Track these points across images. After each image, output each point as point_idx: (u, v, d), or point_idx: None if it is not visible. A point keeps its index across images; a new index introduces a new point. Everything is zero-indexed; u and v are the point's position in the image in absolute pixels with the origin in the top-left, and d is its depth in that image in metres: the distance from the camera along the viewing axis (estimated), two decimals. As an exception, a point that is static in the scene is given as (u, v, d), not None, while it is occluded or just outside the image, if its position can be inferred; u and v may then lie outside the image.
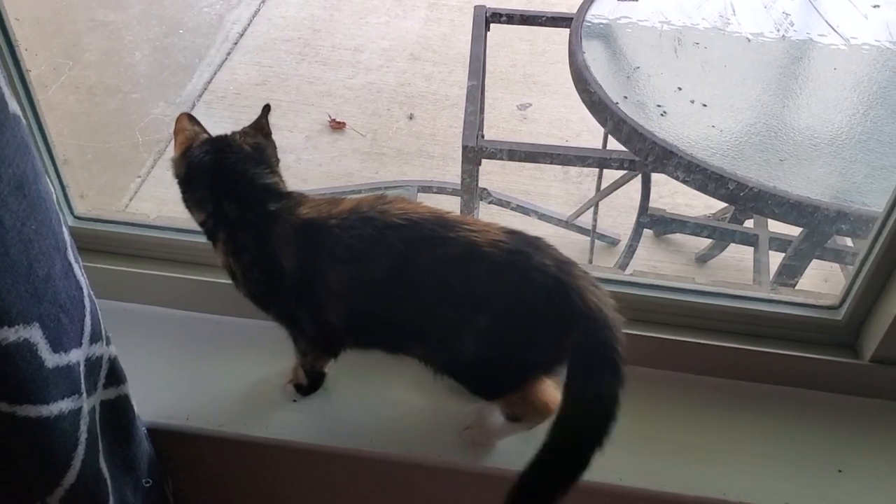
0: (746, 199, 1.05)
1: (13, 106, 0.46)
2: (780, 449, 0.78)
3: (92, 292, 0.58)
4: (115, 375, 0.65)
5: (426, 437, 0.76)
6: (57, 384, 0.54)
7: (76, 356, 0.56)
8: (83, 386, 0.58)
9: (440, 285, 0.63)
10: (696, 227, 1.69)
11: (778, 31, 1.40)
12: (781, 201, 1.04)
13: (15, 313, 0.48)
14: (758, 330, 0.83)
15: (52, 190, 0.53)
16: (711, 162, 1.09)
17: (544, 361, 0.66)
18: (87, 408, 0.59)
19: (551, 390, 0.69)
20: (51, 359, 0.53)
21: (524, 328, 0.64)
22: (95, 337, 0.59)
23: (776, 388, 0.83)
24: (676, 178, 1.10)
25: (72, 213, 0.86)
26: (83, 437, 0.59)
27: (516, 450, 0.75)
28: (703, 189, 1.08)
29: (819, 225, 1.06)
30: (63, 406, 0.56)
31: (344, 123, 2.46)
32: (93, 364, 0.60)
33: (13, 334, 0.48)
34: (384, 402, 0.79)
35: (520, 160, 1.38)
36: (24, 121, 0.47)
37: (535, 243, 0.65)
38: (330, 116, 2.46)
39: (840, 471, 0.76)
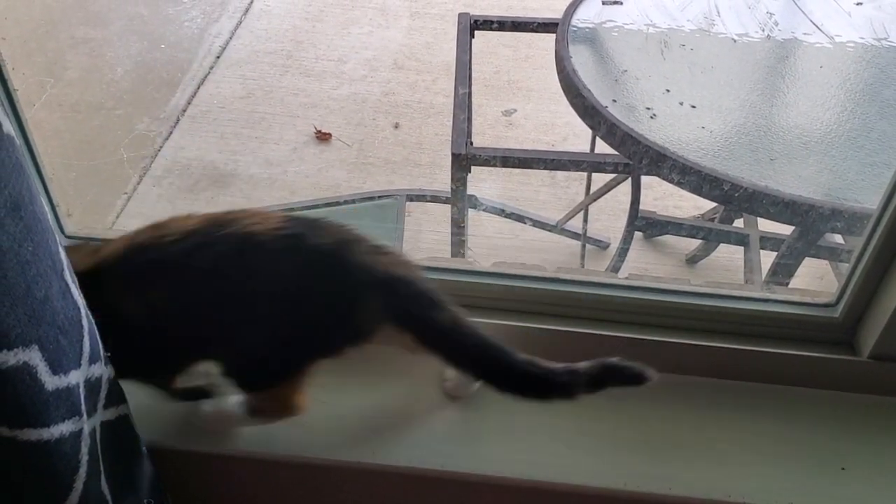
0: (741, 200, 1.06)
1: (7, 126, 0.45)
2: (781, 448, 0.78)
3: (89, 312, 0.57)
4: (115, 395, 0.64)
5: (429, 447, 0.76)
6: (57, 406, 0.54)
7: (76, 377, 0.56)
8: (83, 407, 0.57)
9: (220, 283, 0.63)
10: (687, 229, 1.70)
11: (763, 30, 1.42)
12: (776, 200, 1.05)
13: (14, 336, 0.48)
14: (755, 330, 0.83)
15: (47, 210, 0.52)
16: (702, 163, 1.09)
17: (331, 342, 0.67)
18: (87, 429, 0.58)
19: (303, 393, 0.70)
20: (50, 381, 0.52)
21: (304, 311, 0.64)
22: (94, 357, 0.58)
23: (775, 387, 0.83)
24: (671, 181, 1.11)
25: (62, 231, 0.85)
26: (84, 458, 0.58)
27: (525, 459, 0.75)
28: (697, 191, 1.09)
29: (813, 223, 1.06)
30: (64, 428, 0.55)
31: (330, 134, 2.45)
32: (92, 385, 0.59)
33: (13, 357, 0.48)
34: (385, 413, 0.78)
35: (513, 166, 1.38)
36: (17, 141, 0.47)
37: (314, 224, 0.65)
38: (315, 127, 2.46)
39: (843, 468, 0.76)
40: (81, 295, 0.56)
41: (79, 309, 0.55)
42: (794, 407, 0.81)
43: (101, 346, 0.59)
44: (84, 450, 0.57)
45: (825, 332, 0.82)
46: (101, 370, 0.60)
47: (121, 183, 2.24)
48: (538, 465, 0.75)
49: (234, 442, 0.75)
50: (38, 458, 0.53)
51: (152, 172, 2.29)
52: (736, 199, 1.06)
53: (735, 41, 1.39)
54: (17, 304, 0.47)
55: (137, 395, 0.76)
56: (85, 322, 0.56)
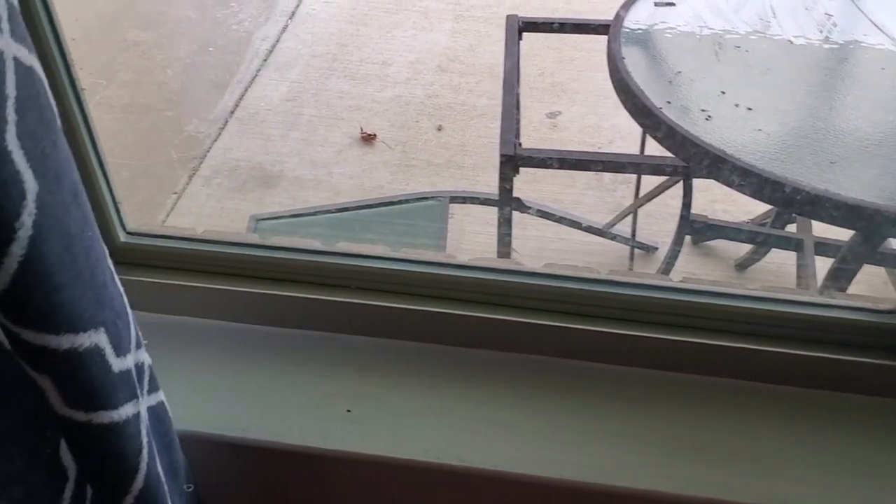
0: (803, 203, 1.03)
1: (58, 119, 0.47)
2: (836, 458, 0.76)
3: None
4: (154, 382, 0.65)
5: (481, 446, 0.75)
6: (122, 388, 0.55)
7: (130, 361, 0.57)
8: (138, 390, 0.58)
9: None
10: (740, 234, 1.67)
11: (821, 32, 1.39)
12: (838, 204, 1.02)
13: (87, 319, 0.49)
14: (813, 335, 0.81)
15: (111, 206, 0.53)
16: (760, 166, 1.07)
17: None
18: (143, 412, 0.59)
19: None
20: (116, 363, 0.53)
21: None
22: (139, 343, 0.60)
23: (834, 394, 0.81)
24: (730, 184, 1.09)
25: (124, 228, 0.86)
26: (145, 440, 0.59)
27: (572, 461, 0.74)
28: (758, 194, 1.07)
29: (877, 228, 1.04)
30: (128, 410, 0.56)
31: (374, 135, 2.47)
32: (140, 369, 0.60)
33: (87, 340, 0.49)
34: (440, 411, 0.78)
35: (569, 168, 1.37)
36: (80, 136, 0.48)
37: None
38: (361, 129, 2.48)
39: (906, 479, 0.73)
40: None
41: (123, 296, 0.56)
42: (851, 415, 0.79)
43: (139, 333, 0.60)
44: (143, 431, 0.58)
45: (888, 338, 0.80)
46: (144, 356, 0.61)
47: (171, 182, 2.28)
48: (583, 466, 0.74)
49: (286, 435, 0.75)
50: (110, 440, 0.54)
51: (201, 173, 2.32)
52: (798, 202, 1.04)
53: (792, 43, 1.37)
54: (86, 288, 0.48)
55: (191, 388, 0.78)
56: (128, 308, 0.57)
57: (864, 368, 0.79)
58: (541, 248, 2.07)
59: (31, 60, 0.43)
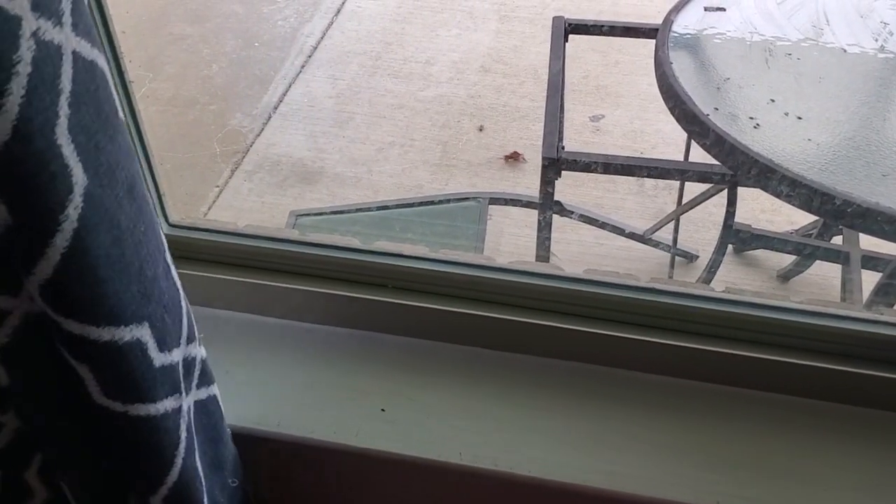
0: (853, 216, 1.01)
1: (121, 112, 0.47)
2: (877, 479, 0.74)
3: (185, 294, 0.59)
4: (207, 376, 0.65)
5: (515, 451, 0.75)
6: (163, 383, 0.55)
7: (177, 356, 0.57)
8: (182, 385, 0.58)
9: None
10: (786, 244, 1.63)
11: (876, 41, 1.35)
12: (891, 218, 1.00)
13: (129, 313, 0.49)
14: (859, 351, 0.80)
15: (155, 198, 0.54)
16: (808, 177, 1.05)
17: None
18: (185, 407, 0.60)
19: None
20: (158, 357, 0.54)
21: None
22: (191, 337, 0.60)
23: (880, 412, 0.79)
24: (778, 194, 1.06)
25: (166, 220, 0.87)
26: (183, 435, 0.59)
27: (609, 470, 0.73)
28: (807, 205, 1.04)
29: (931, 243, 1.01)
30: (168, 404, 0.56)
31: (520, 154, 2.44)
32: (188, 364, 0.61)
33: (128, 333, 0.49)
34: (474, 414, 0.78)
35: (613, 173, 1.35)
36: (126, 127, 0.48)
37: None
38: (509, 154, 2.43)
39: (954, 503, 0.71)
40: (178, 277, 0.58)
41: (178, 290, 0.57)
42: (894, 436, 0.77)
43: (195, 327, 0.61)
44: (183, 426, 0.59)
45: (938, 357, 0.77)
46: (196, 350, 0.62)
47: (213, 176, 2.31)
48: (621, 476, 0.73)
49: (320, 431, 0.76)
50: (145, 432, 0.55)
51: (243, 167, 2.35)
52: (848, 214, 1.01)
53: (845, 51, 1.34)
54: (132, 282, 0.49)
55: (230, 380, 0.79)
56: (183, 303, 0.58)
57: (911, 388, 0.77)
58: (580, 253, 2.05)
59: (94, 55, 0.44)
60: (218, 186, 2.27)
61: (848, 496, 0.72)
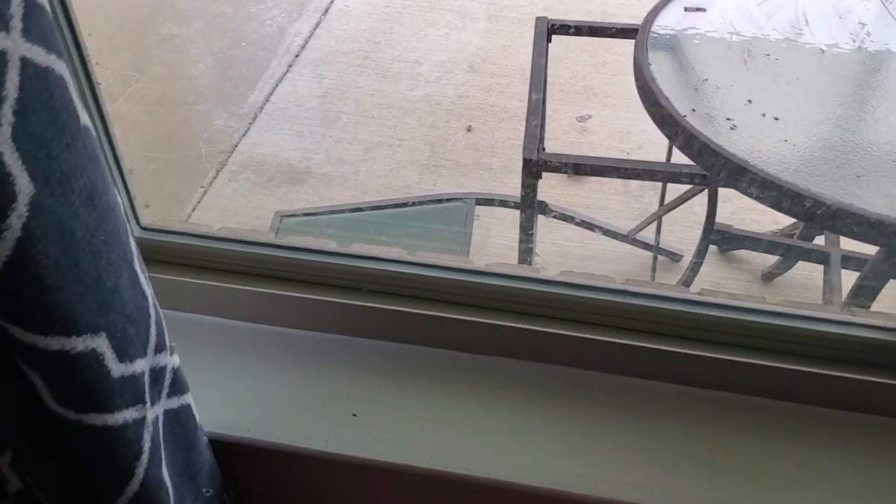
0: (824, 217, 1.01)
1: (84, 118, 0.46)
2: (855, 480, 0.74)
3: (157, 302, 0.58)
4: (179, 385, 0.65)
5: (488, 455, 0.75)
6: (122, 393, 0.55)
7: (141, 366, 0.57)
8: (147, 395, 0.58)
9: None
10: (765, 245, 1.64)
11: (854, 41, 1.36)
12: (861, 219, 1.00)
13: (83, 323, 0.49)
14: (833, 353, 0.80)
15: (120, 201, 0.53)
16: (784, 178, 1.05)
17: None
18: (150, 417, 0.59)
19: None
20: (117, 368, 0.53)
21: None
22: (160, 347, 0.59)
23: (853, 415, 0.79)
24: (749, 195, 1.07)
25: (138, 223, 0.87)
26: (146, 445, 0.59)
27: (585, 474, 0.73)
28: (777, 206, 1.04)
29: (900, 245, 1.01)
30: (127, 415, 0.56)
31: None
32: (157, 373, 0.60)
33: (81, 344, 0.49)
34: (447, 418, 0.77)
35: (585, 174, 1.36)
36: (93, 132, 0.48)
37: None
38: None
39: (924, 505, 0.71)
40: (150, 285, 0.57)
41: (147, 298, 0.56)
42: (872, 437, 0.77)
43: (167, 335, 0.60)
44: (146, 437, 0.58)
45: (910, 359, 0.78)
46: (167, 360, 0.61)
47: (198, 177, 2.30)
48: (594, 480, 0.73)
49: (292, 437, 0.75)
50: (101, 442, 0.54)
51: (228, 167, 2.34)
52: (818, 216, 1.01)
53: (823, 52, 1.34)
54: (87, 292, 0.48)
55: (199, 387, 0.78)
56: (152, 311, 0.57)
57: (884, 389, 0.77)
58: (565, 254, 2.05)
59: (50, 61, 0.43)
60: (203, 187, 2.27)
61: (825, 498, 0.72)
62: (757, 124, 1.20)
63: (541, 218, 1.91)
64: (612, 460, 0.75)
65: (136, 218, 0.87)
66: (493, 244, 2.12)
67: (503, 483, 0.74)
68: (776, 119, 1.20)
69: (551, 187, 2.21)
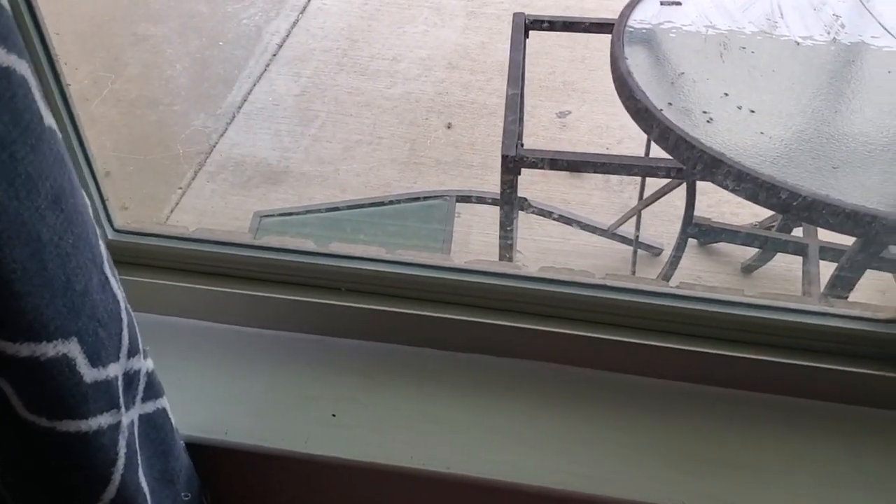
0: (799, 209, 1.01)
1: (49, 120, 0.46)
2: (835, 469, 0.74)
3: (129, 306, 0.57)
4: (153, 389, 0.64)
5: (470, 453, 0.74)
6: (96, 399, 0.54)
7: (114, 370, 0.56)
8: (121, 400, 0.57)
9: None
10: (742, 237, 1.64)
11: (828, 33, 1.36)
12: (836, 210, 1.00)
13: (53, 328, 0.48)
14: (810, 344, 0.80)
15: (89, 203, 0.52)
16: (760, 170, 1.05)
17: None
18: (125, 422, 0.58)
19: None
20: (89, 373, 0.53)
21: None
22: (133, 351, 0.58)
23: (833, 405, 0.80)
24: (725, 188, 1.07)
25: (112, 226, 0.86)
26: (122, 451, 0.58)
27: (567, 470, 0.73)
28: (753, 198, 1.05)
29: (876, 235, 1.02)
30: (102, 421, 0.55)
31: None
32: (130, 378, 0.59)
33: (52, 349, 0.48)
34: (427, 416, 0.77)
35: (562, 169, 1.36)
36: (59, 134, 0.47)
37: None
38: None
39: (903, 493, 0.72)
40: (121, 288, 0.56)
41: (118, 302, 0.55)
42: (850, 427, 0.78)
43: (139, 339, 0.59)
44: (122, 442, 0.58)
45: (886, 349, 0.78)
46: (140, 363, 0.60)
47: (176, 178, 2.28)
48: (577, 476, 0.73)
49: (271, 439, 0.75)
50: (76, 449, 0.54)
51: (207, 168, 2.32)
52: (794, 208, 1.02)
53: (798, 44, 1.34)
54: (56, 297, 0.47)
55: (176, 390, 0.77)
56: (124, 315, 0.56)
57: (862, 379, 0.78)
58: (546, 250, 2.05)
59: (11, 61, 0.42)
60: (181, 188, 2.25)
61: (807, 490, 0.72)
62: (733, 117, 1.20)
63: (522, 214, 1.91)
64: (593, 456, 0.75)
65: (110, 220, 0.86)
66: (474, 241, 2.11)
67: (484, 481, 0.73)
68: (752, 112, 1.20)
69: (532, 183, 2.21)
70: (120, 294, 0.56)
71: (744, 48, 1.35)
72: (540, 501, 0.74)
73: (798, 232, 1.66)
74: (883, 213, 1.01)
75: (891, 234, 1.02)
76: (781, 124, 1.20)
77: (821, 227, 1.07)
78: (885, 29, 1.35)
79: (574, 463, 0.74)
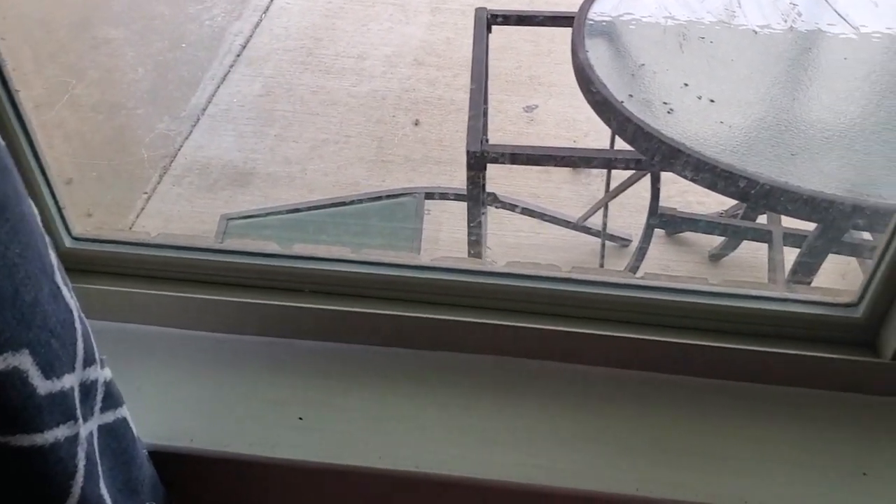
0: (758, 197, 1.02)
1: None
2: (800, 453, 0.75)
3: (83, 315, 0.57)
4: (112, 398, 0.63)
5: (437, 451, 0.74)
6: (51, 411, 0.53)
7: (70, 381, 0.55)
8: (79, 411, 0.56)
9: None
10: (707, 226, 1.66)
11: (785, 22, 1.38)
12: (794, 197, 1.01)
13: (3, 340, 0.47)
14: (773, 330, 0.81)
15: (37, 212, 0.51)
16: (721, 159, 1.06)
17: None
18: (84, 433, 0.57)
19: None
20: (43, 385, 0.52)
21: None
22: (89, 360, 0.57)
23: (794, 390, 0.81)
24: (685, 177, 1.08)
25: (69, 234, 0.84)
26: (81, 463, 0.57)
27: (532, 463, 0.73)
28: (712, 187, 1.06)
29: (834, 220, 1.03)
30: (58, 433, 0.54)
31: None
32: (88, 388, 0.58)
33: (2, 362, 0.47)
34: (395, 416, 0.77)
35: (523, 163, 1.36)
36: (2, 142, 0.46)
37: None
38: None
39: (865, 473, 0.73)
40: (75, 298, 0.56)
41: (72, 311, 0.54)
42: (813, 411, 0.78)
43: (95, 348, 0.58)
44: (81, 454, 0.57)
45: (846, 332, 0.79)
46: (97, 373, 0.59)
47: (141, 182, 2.25)
48: (546, 470, 0.73)
49: (236, 445, 0.74)
50: (32, 463, 0.53)
51: (172, 172, 2.30)
52: (753, 195, 1.03)
53: (756, 33, 1.36)
54: (4, 308, 0.47)
55: (139, 398, 0.76)
56: (78, 325, 0.55)
57: (823, 363, 0.78)
58: (517, 244, 2.06)
59: None
60: (146, 193, 2.22)
61: (770, 475, 0.73)
62: (693, 107, 1.21)
63: (492, 209, 1.91)
64: (562, 449, 0.75)
65: (68, 228, 0.84)
66: (444, 238, 2.11)
67: (454, 478, 0.73)
68: (712, 101, 1.21)
69: (501, 178, 2.21)
70: (73, 303, 0.55)
71: (703, 38, 1.35)
72: (508, 496, 0.74)
73: (763, 219, 1.68)
74: (840, 198, 1.02)
75: (848, 219, 1.03)
76: (741, 113, 1.21)
77: (780, 213, 1.09)
78: (841, 16, 1.37)
79: (542, 457, 0.74)
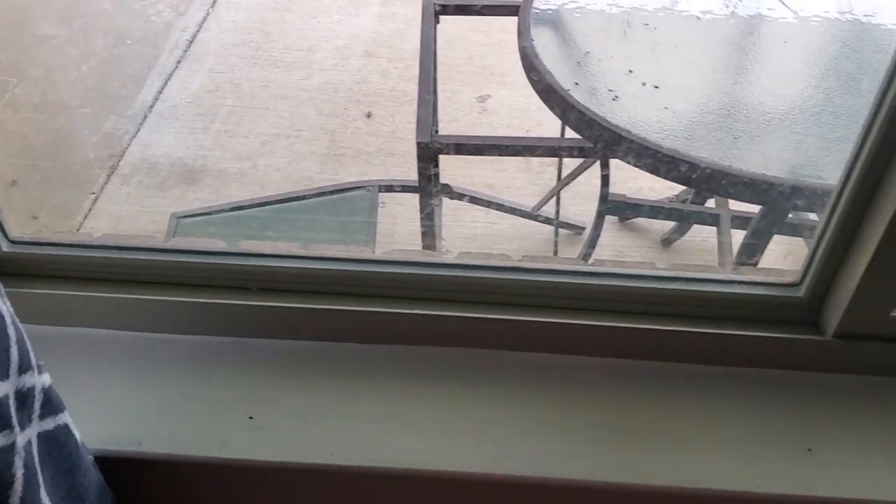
0: (700, 180, 1.04)
1: None
2: (748, 432, 0.77)
3: (17, 320, 0.55)
4: (52, 405, 0.62)
5: (391, 445, 0.74)
6: (-15, 421, 0.51)
7: (3, 389, 0.53)
8: (14, 420, 0.55)
9: None
10: (656, 211, 1.68)
11: (727, 7, 1.40)
12: (736, 180, 1.03)
13: (-73, 352, 0.45)
14: (720, 312, 0.82)
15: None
16: (664, 144, 1.07)
17: None
18: (21, 442, 0.56)
19: None
20: (-25, 395, 0.50)
21: None
22: (24, 367, 0.56)
23: (740, 370, 0.82)
24: (628, 163, 1.09)
25: (6, 237, 0.82)
26: (19, 472, 0.56)
27: (492, 453, 0.73)
28: (655, 172, 1.07)
29: (776, 201, 1.05)
30: (-6, 443, 0.53)
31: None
32: (24, 395, 0.57)
33: (-73, 374, 0.45)
34: (346, 412, 0.76)
35: (470, 153, 1.36)
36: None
37: None
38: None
39: (810, 449, 0.75)
40: (7, 303, 0.54)
41: (3, 318, 0.53)
42: (760, 390, 0.80)
43: (31, 354, 0.57)
44: (18, 463, 0.55)
45: (790, 312, 0.80)
46: (34, 379, 0.58)
47: (88, 183, 2.20)
48: (505, 459, 0.73)
49: (185, 447, 0.73)
50: (-35, 475, 0.51)
51: (120, 171, 2.25)
52: (695, 179, 1.04)
53: (699, 18, 1.37)
54: (-71, 318, 0.45)
55: (83, 403, 0.75)
56: (12, 331, 0.54)
57: (770, 343, 0.80)
58: (473, 235, 2.06)
59: None
60: (94, 193, 2.17)
61: (718, 454, 0.74)
62: (638, 93, 1.22)
63: (447, 200, 1.91)
64: (518, 437, 0.75)
65: (4, 232, 0.82)
66: (400, 231, 2.10)
67: (407, 471, 0.73)
68: (656, 87, 1.22)
69: (455, 168, 2.21)
70: (6, 309, 0.54)
71: (646, 24, 1.37)
72: (467, 487, 0.75)
73: (712, 203, 1.70)
74: (780, 180, 1.04)
75: (789, 200, 1.05)
76: (684, 98, 1.22)
77: (724, 196, 1.11)
78: (780, 1, 1.39)
79: (497, 446, 0.74)
